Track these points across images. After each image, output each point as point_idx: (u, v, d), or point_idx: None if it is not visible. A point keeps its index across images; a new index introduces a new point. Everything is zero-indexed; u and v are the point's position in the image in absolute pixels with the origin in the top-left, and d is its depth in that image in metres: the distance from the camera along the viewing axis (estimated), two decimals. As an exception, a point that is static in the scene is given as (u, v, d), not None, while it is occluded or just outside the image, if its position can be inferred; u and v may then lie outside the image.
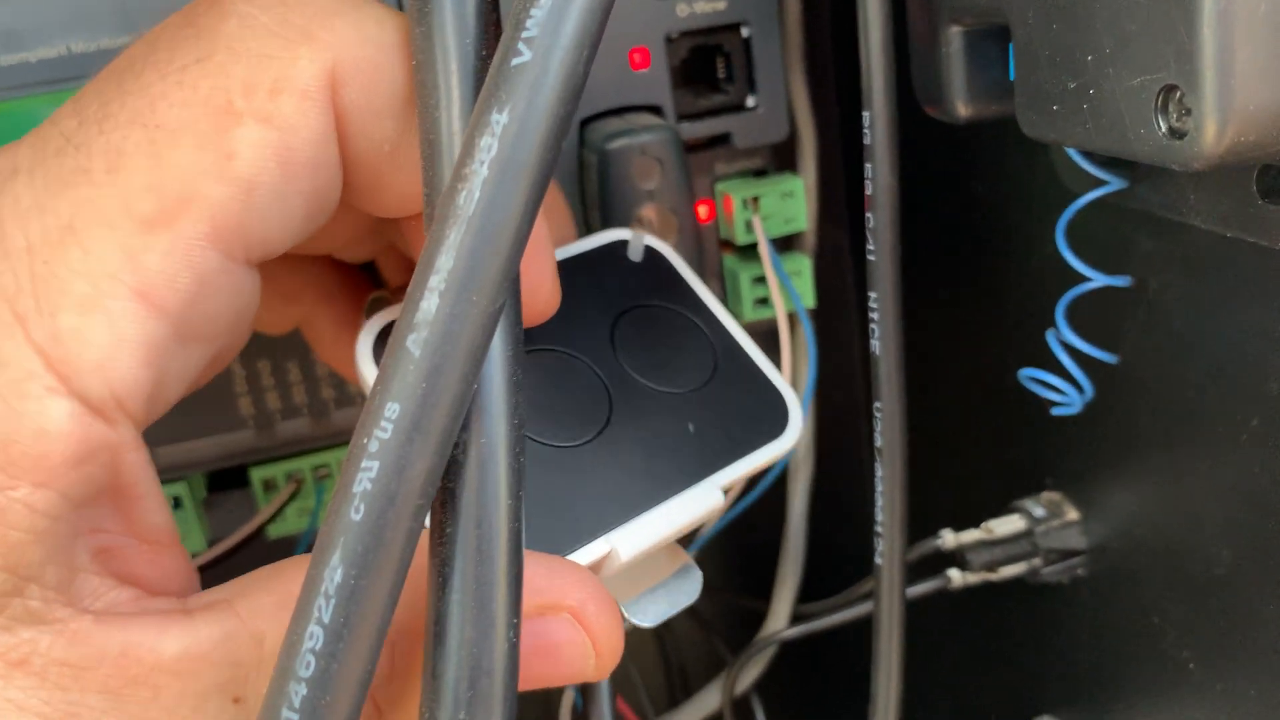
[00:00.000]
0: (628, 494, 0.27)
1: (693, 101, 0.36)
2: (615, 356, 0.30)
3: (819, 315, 0.40)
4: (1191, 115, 0.20)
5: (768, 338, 0.39)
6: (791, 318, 0.38)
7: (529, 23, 0.19)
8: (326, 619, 0.19)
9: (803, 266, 0.38)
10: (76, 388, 0.21)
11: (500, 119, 0.19)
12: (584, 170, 0.35)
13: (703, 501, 0.28)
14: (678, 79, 0.36)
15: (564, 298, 0.30)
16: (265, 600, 0.22)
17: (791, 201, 0.37)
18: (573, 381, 0.29)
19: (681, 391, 0.30)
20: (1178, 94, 0.20)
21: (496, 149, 0.19)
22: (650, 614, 0.28)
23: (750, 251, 0.38)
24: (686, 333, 0.31)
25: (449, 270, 0.19)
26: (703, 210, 0.37)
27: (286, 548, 0.37)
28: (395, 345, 0.19)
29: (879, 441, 0.29)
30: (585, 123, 0.35)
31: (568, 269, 0.31)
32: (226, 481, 0.38)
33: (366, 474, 0.19)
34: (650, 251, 0.32)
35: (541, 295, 0.26)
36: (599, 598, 0.23)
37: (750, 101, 0.36)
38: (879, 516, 0.30)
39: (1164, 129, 0.20)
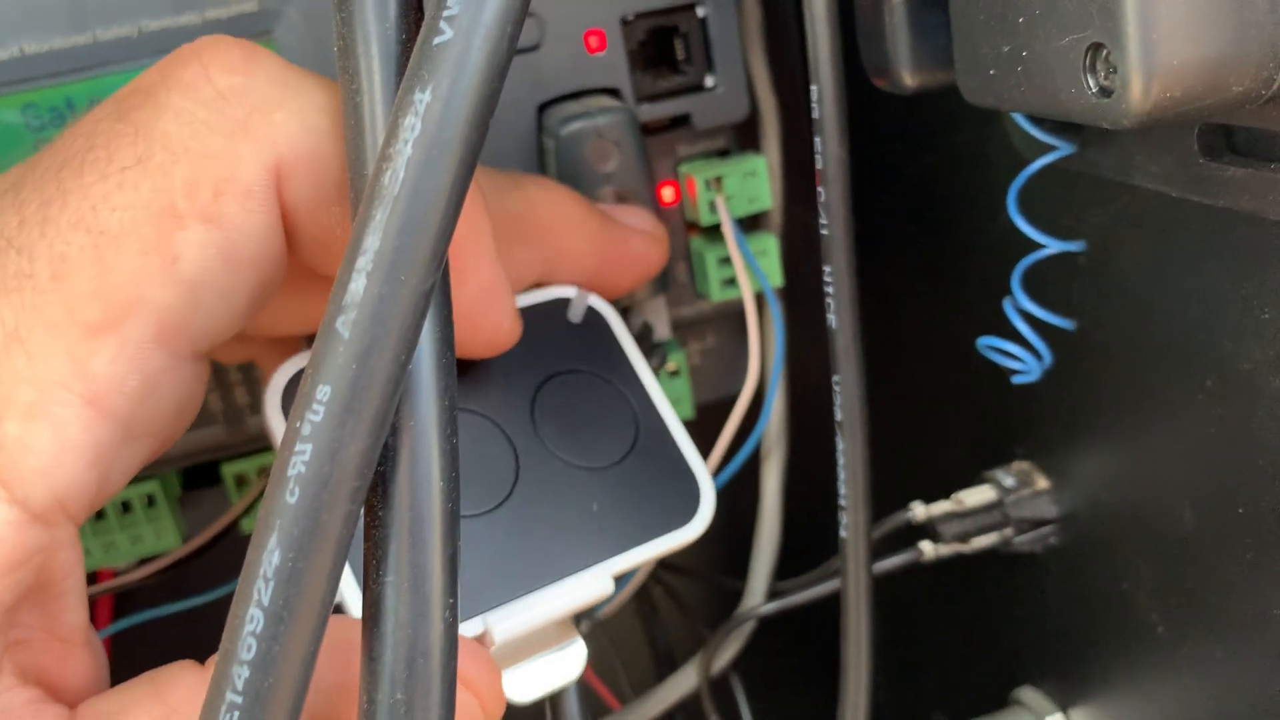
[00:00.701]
0: (515, 573, 0.27)
1: (652, 83, 0.36)
2: (532, 423, 0.29)
3: (789, 295, 0.40)
4: (1117, 73, 0.20)
5: (740, 318, 0.39)
6: (759, 298, 0.38)
7: (450, 1, 0.19)
8: (266, 601, 0.19)
9: (769, 246, 0.38)
10: (18, 494, 0.21)
11: (423, 98, 0.19)
12: (543, 155, 0.34)
13: (590, 588, 0.27)
14: (636, 61, 0.36)
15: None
16: (144, 716, 0.22)
17: (754, 181, 0.37)
18: (482, 447, 0.28)
19: (593, 467, 0.29)
20: (1104, 52, 0.20)
21: (420, 128, 0.19)
22: (525, 691, 0.27)
23: (716, 233, 0.38)
24: (611, 404, 0.31)
25: (376, 251, 0.19)
26: (667, 193, 0.37)
27: (262, 542, 0.37)
28: (325, 328, 0.19)
29: (839, 415, 0.29)
30: (543, 107, 0.35)
31: None
32: (201, 480, 0.38)
33: (300, 457, 0.19)
34: (592, 313, 0.32)
35: (503, 329, 0.27)
36: (477, 658, 0.24)
37: (709, 81, 0.36)
38: (842, 490, 0.30)
39: (1093, 87, 0.20)
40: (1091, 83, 0.20)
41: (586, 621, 0.38)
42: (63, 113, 0.33)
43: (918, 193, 0.34)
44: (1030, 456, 0.35)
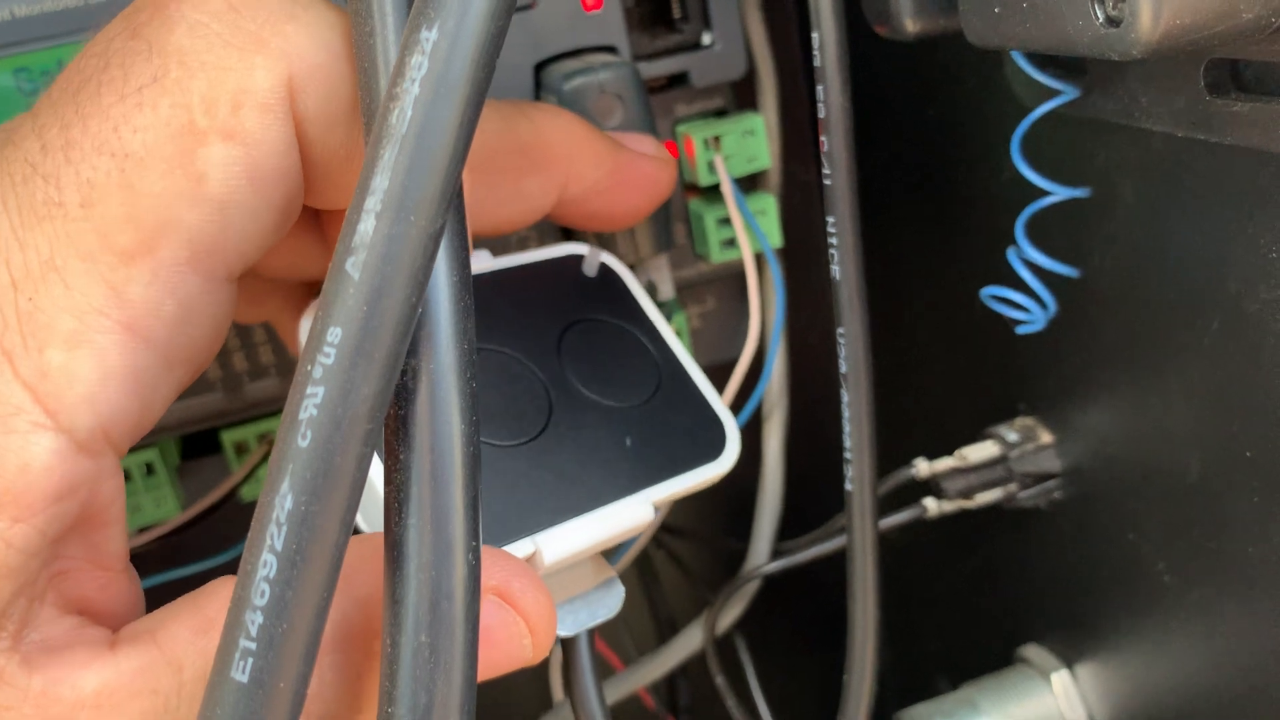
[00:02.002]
0: (558, 499, 0.27)
1: (649, 43, 0.36)
2: (559, 364, 0.30)
3: (789, 254, 0.39)
4: (1127, 1, 0.19)
5: (740, 280, 0.39)
6: (759, 258, 0.38)
7: (455, -61, 0.19)
8: (279, 546, 0.18)
9: (768, 205, 0.38)
10: (64, 423, 0.21)
11: (430, 36, 0.19)
12: (541, 114, 0.34)
13: (633, 514, 0.28)
14: (634, 21, 0.35)
15: (514, 303, 0.30)
16: (183, 628, 0.22)
17: (753, 140, 0.37)
18: (514, 383, 0.29)
19: (622, 406, 0.30)
20: (1114, -18, 0.20)
21: (427, 66, 0.19)
22: (567, 624, 0.28)
23: (714, 193, 0.37)
24: (632, 350, 0.31)
25: (384, 190, 0.19)
26: (665, 153, 0.37)
27: (262, 510, 0.37)
28: (334, 270, 0.19)
29: (844, 368, 0.29)
30: (540, 66, 0.35)
31: (521, 275, 0.31)
32: (200, 448, 0.38)
33: (311, 400, 0.18)
34: (605, 269, 0.32)
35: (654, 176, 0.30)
36: (524, 576, 0.23)
37: (706, 39, 0.36)
38: (847, 444, 0.29)
39: (1100, 17, 0.20)
40: (1099, 12, 0.20)
41: None
42: (54, 74, 0.32)
43: (919, 143, 0.34)
44: (1033, 411, 0.35)
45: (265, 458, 0.36)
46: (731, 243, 0.37)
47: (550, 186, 0.30)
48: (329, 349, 0.18)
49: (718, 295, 0.41)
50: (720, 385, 0.36)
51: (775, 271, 0.37)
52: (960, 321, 0.35)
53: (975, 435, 0.35)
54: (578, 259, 0.33)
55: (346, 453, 0.18)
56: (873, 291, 0.30)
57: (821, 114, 0.28)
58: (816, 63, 0.28)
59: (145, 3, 0.23)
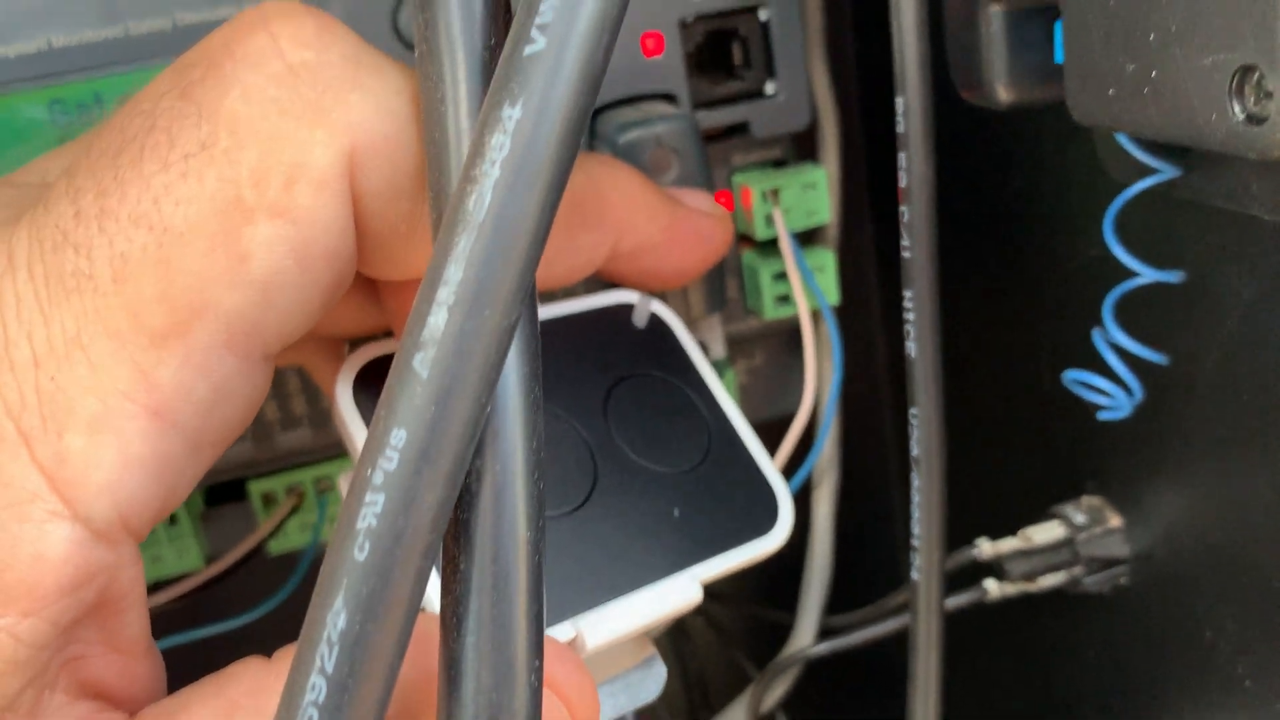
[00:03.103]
0: (602, 577, 0.26)
1: (709, 89, 0.34)
2: (606, 425, 0.28)
3: (843, 312, 0.38)
4: (1273, 98, 0.18)
5: (790, 336, 0.38)
6: (815, 315, 0.36)
7: (543, 7, 0.18)
8: (330, 669, 0.17)
9: (826, 262, 0.36)
10: (81, 512, 0.19)
11: (513, 114, 0.17)
12: (596, 164, 0.33)
13: (680, 595, 0.26)
14: (692, 65, 0.34)
15: (561, 356, 0.28)
16: (206, 711, 0.21)
17: (814, 194, 0.35)
18: (559, 446, 0.27)
19: (670, 471, 0.28)
20: (1256, 75, 0.18)
21: (509, 147, 0.17)
22: (607, 707, 0.26)
23: (771, 247, 0.36)
24: (682, 409, 0.30)
25: (459, 282, 0.17)
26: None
27: (289, 564, 0.35)
28: (400, 366, 0.17)
29: (915, 450, 0.27)
30: (596, 113, 0.33)
31: (567, 326, 0.30)
32: (224, 494, 0.36)
33: (371, 508, 0.17)
34: (655, 320, 0.31)
35: (708, 235, 0.29)
36: (568, 662, 0.22)
37: (770, 88, 0.34)
38: (915, 530, 0.28)
39: (1240, 114, 0.18)
40: (1238, 109, 0.19)
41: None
42: (91, 109, 0.31)
43: (999, 213, 0.33)
44: (1102, 491, 0.33)
45: (294, 510, 0.35)
46: (786, 299, 0.36)
47: (603, 242, 0.29)
48: (392, 452, 0.17)
49: (767, 350, 0.39)
50: (770, 448, 0.35)
51: (833, 331, 0.36)
52: (1031, 397, 0.33)
53: (1039, 512, 0.33)
54: (627, 308, 0.31)
55: (407, 568, 0.17)
56: (943, 362, 0.28)
57: (903, 183, 0.26)
58: (900, 128, 0.26)
59: (199, 58, 0.21)
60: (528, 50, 0.18)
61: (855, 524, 0.38)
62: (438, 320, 0.17)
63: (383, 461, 0.17)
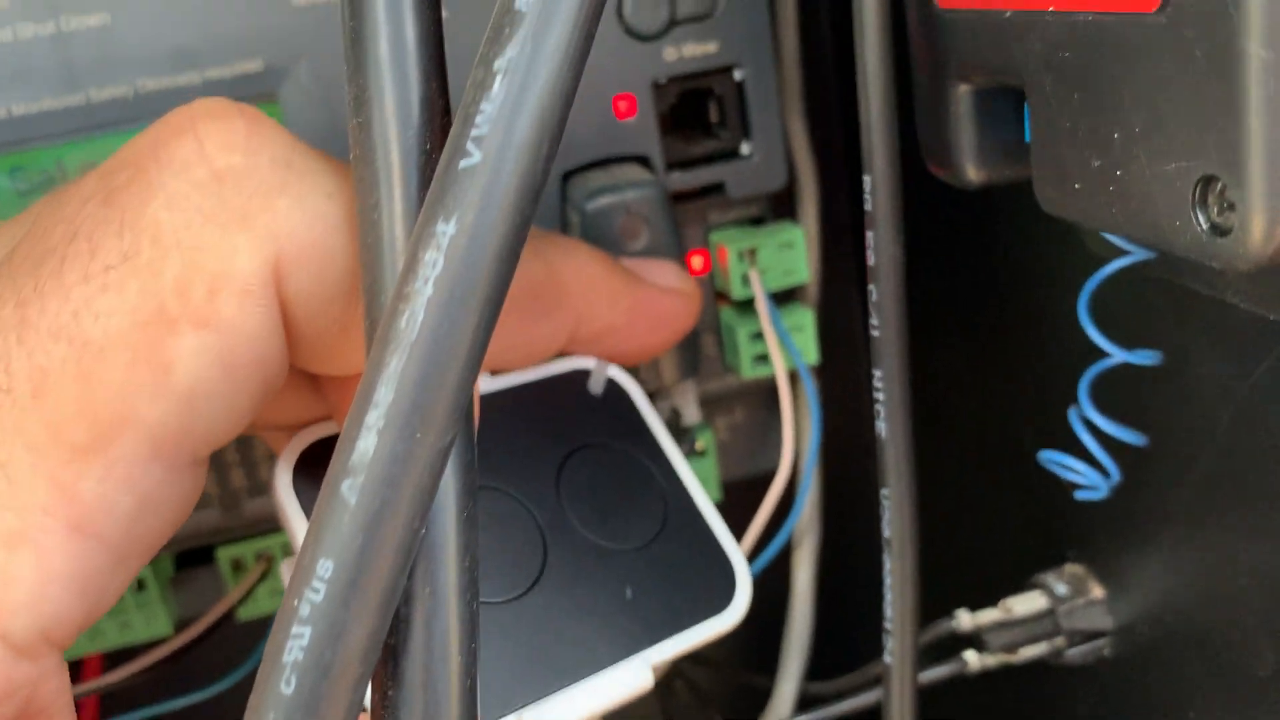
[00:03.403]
0: (550, 664, 0.25)
1: (683, 148, 0.33)
2: (558, 500, 0.27)
3: (825, 369, 0.37)
4: (1236, 211, 0.17)
5: (771, 393, 0.37)
6: (793, 375, 0.36)
7: (479, 119, 0.17)
8: (255, 807, 0.16)
9: (805, 321, 0.35)
10: (1, 629, 0.19)
11: (447, 230, 0.17)
12: (566, 229, 0.32)
13: (631, 682, 0.25)
14: (666, 124, 0.33)
15: (512, 428, 0.28)
16: None
17: (791, 253, 0.34)
18: (508, 526, 0.26)
19: (624, 549, 0.27)
20: (1219, 185, 0.17)
21: (443, 264, 0.17)
22: None
23: (748, 306, 0.35)
24: (638, 480, 0.29)
25: (389, 404, 0.17)
26: (696, 261, 0.35)
27: (259, 630, 0.35)
28: (328, 492, 0.17)
29: (886, 532, 0.27)
30: (567, 176, 0.32)
31: (519, 396, 0.29)
32: (193, 557, 0.36)
33: (298, 641, 0.16)
34: (612, 385, 0.30)
35: (672, 313, 0.29)
36: None
37: (745, 149, 0.33)
38: (888, 612, 0.27)
39: (1204, 224, 0.18)
40: (1202, 219, 0.18)
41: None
42: (53, 176, 0.30)
43: (973, 288, 0.32)
44: (1083, 560, 0.32)
45: (264, 576, 0.34)
46: (764, 358, 0.35)
47: (561, 330, 0.28)
48: (319, 584, 0.16)
49: (747, 407, 0.38)
50: (747, 504, 0.34)
51: (811, 393, 0.35)
52: (1009, 470, 0.33)
53: (1020, 582, 0.33)
54: (584, 374, 0.30)
55: (335, 703, 0.16)
56: (917, 432, 0.27)
57: (871, 261, 0.26)
58: (868, 206, 0.26)
59: (125, 162, 0.21)
60: (463, 164, 0.17)
61: (838, 584, 0.37)
62: (367, 445, 0.17)
63: (309, 593, 0.16)
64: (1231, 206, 0.17)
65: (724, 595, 0.28)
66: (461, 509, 0.18)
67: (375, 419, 0.17)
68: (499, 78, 0.17)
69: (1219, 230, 0.18)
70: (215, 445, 0.21)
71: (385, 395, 0.17)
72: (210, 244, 0.20)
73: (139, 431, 0.19)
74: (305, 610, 0.16)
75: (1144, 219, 0.19)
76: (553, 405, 0.29)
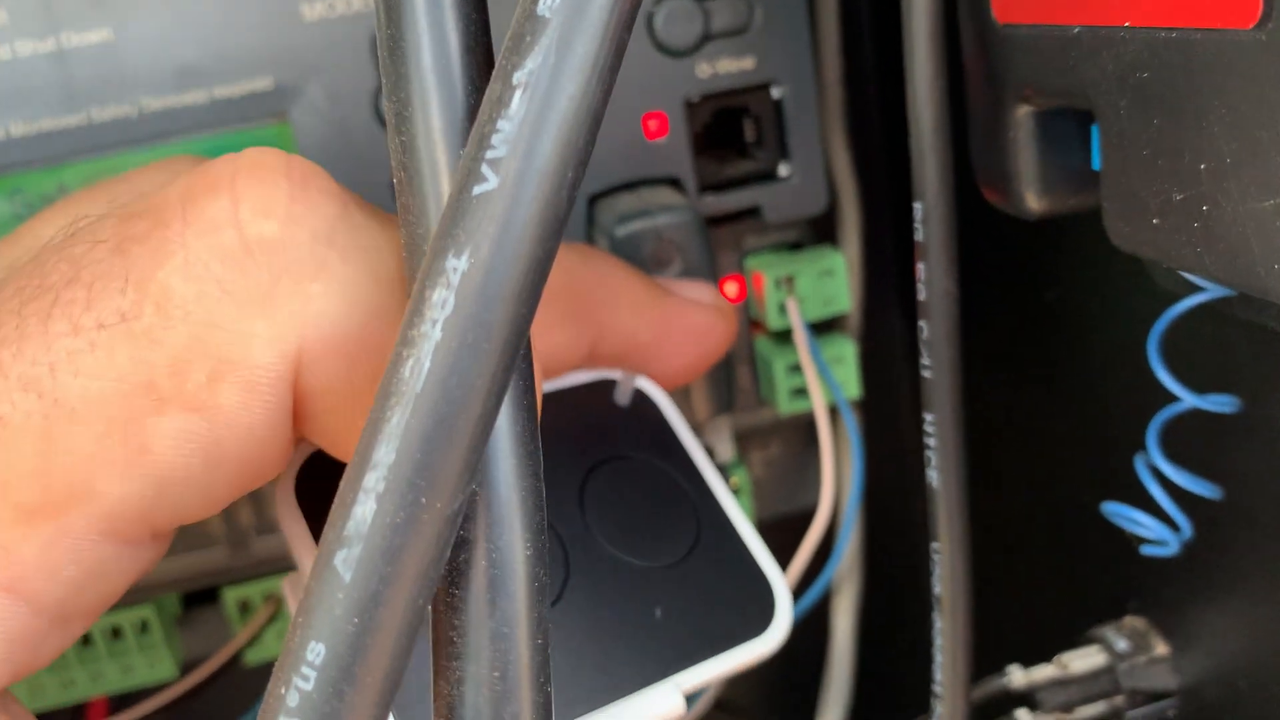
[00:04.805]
0: (573, 689, 0.23)
1: (717, 170, 0.32)
2: (581, 515, 0.25)
3: (866, 402, 0.35)
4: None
5: (809, 426, 0.35)
6: (833, 410, 0.34)
7: (495, 139, 0.15)
8: None
9: (846, 352, 0.33)
10: None
11: (458, 265, 0.15)
12: (593, 255, 0.30)
13: (660, 707, 0.23)
14: (699, 143, 0.31)
15: None
16: None
17: (832, 281, 0.33)
18: None
19: (652, 566, 0.25)
20: (1327, 222, 0.15)
21: (453, 306, 0.15)
22: None
23: (785, 337, 0.33)
24: (668, 495, 0.27)
25: (390, 466, 0.15)
26: (731, 288, 0.33)
27: (266, 674, 0.33)
28: (321, 565, 0.15)
29: (937, 588, 0.25)
30: (594, 199, 0.31)
31: (542, 407, 0.27)
32: (199, 597, 0.34)
33: (285, 733, 0.14)
34: (640, 396, 0.28)
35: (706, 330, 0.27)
36: None
37: (783, 170, 0.32)
38: (937, 675, 0.25)
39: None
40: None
41: None
42: (53, 198, 0.29)
43: (1033, 327, 0.30)
44: (1145, 613, 0.30)
45: (272, 618, 0.32)
46: (802, 392, 0.33)
47: (580, 339, 0.26)
48: (309, 670, 0.15)
49: (783, 441, 0.36)
50: (784, 544, 0.32)
51: (851, 427, 0.33)
52: (1068, 519, 0.31)
53: (1076, 634, 0.30)
54: (609, 385, 0.28)
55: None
56: (969, 481, 0.25)
57: (922, 296, 0.24)
58: (919, 237, 0.24)
59: (150, 207, 0.19)
60: (477, 190, 0.15)
61: (882, 634, 0.35)
62: (364, 511, 0.15)
63: (298, 680, 0.14)
64: (1342, 247, 0.15)
65: (762, 617, 0.26)
66: (533, 579, 0.16)
67: (374, 481, 0.15)
68: (518, 93, 0.15)
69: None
70: (182, 523, 0.19)
71: (385, 455, 0.15)
72: (223, 323, 0.18)
73: (96, 506, 0.18)
74: (294, 700, 0.15)
75: (1235, 261, 0.17)
76: (577, 416, 0.27)
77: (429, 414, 0.15)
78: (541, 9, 0.15)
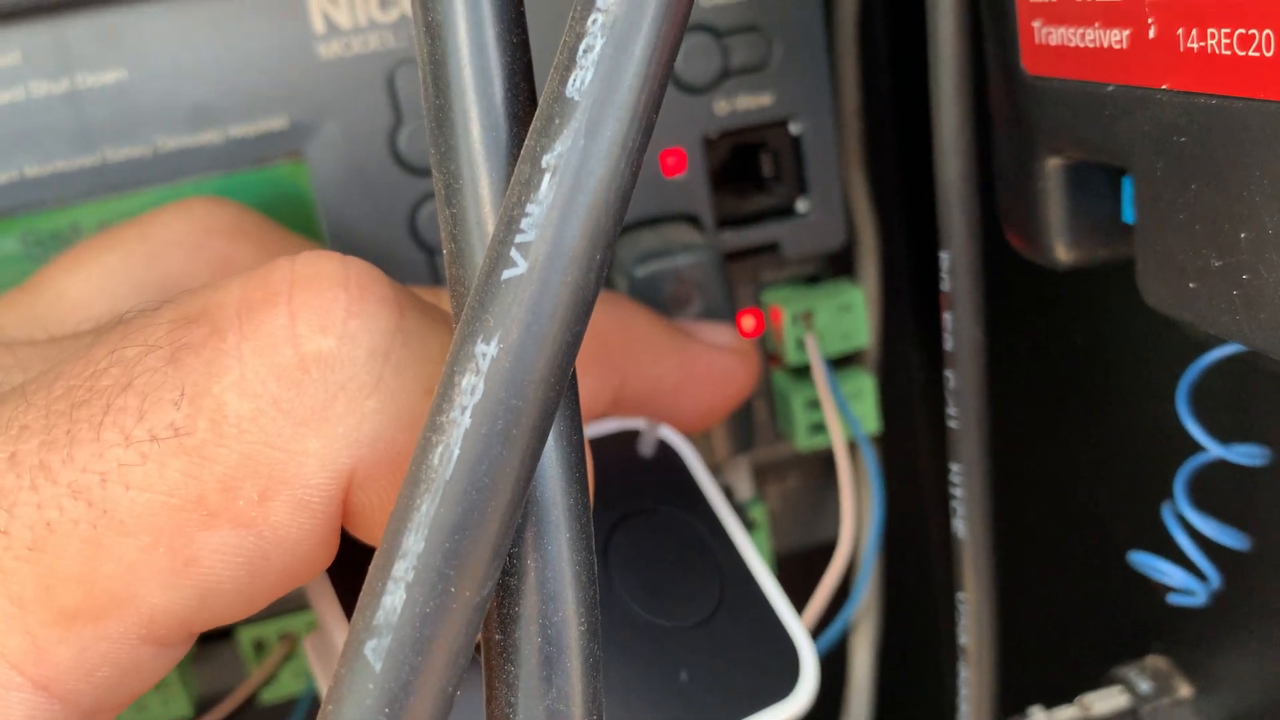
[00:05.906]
0: None
1: (734, 205, 0.31)
2: (606, 572, 0.25)
3: (885, 438, 0.35)
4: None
5: (827, 460, 0.35)
6: (852, 445, 0.34)
7: (524, 223, 0.15)
8: None
9: (865, 387, 0.33)
10: None
11: (488, 351, 0.15)
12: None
13: None
14: (716, 179, 0.31)
15: None
16: None
17: (850, 315, 0.32)
18: None
19: (678, 626, 0.25)
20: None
21: (482, 392, 0.15)
22: None
23: (803, 372, 0.33)
24: (692, 550, 0.26)
25: (419, 555, 0.15)
26: (748, 322, 0.33)
27: (283, 713, 0.33)
28: (350, 653, 0.15)
29: (962, 639, 0.25)
30: (612, 237, 0.30)
31: None
32: (213, 633, 0.34)
33: (314, 828, 0.14)
34: (664, 447, 0.27)
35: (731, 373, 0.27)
36: None
37: (801, 206, 0.31)
38: (962, 726, 0.25)
39: (1356, 345, 0.16)
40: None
41: None
42: (68, 239, 0.29)
43: (1055, 372, 0.30)
44: (1169, 653, 0.30)
45: (287, 657, 0.32)
46: (820, 427, 0.33)
47: (603, 387, 0.26)
48: (339, 764, 0.14)
49: (800, 474, 0.36)
50: (802, 579, 0.32)
51: (871, 463, 0.33)
52: (1092, 564, 0.30)
53: (1098, 674, 0.30)
54: (633, 435, 0.28)
55: None
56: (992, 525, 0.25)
57: (949, 345, 0.24)
58: (945, 286, 0.23)
59: (208, 313, 0.18)
60: (506, 274, 0.15)
61: (900, 674, 0.35)
62: (394, 601, 0.14)
63: (327, 775, 0.14)
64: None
65: (788, 679, 0.26)
66: (587, 655, 0.16)
67: (403, 570, 0.15)
68: (547, 176, 0.15)
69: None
70: (222, 625, 0.19)
71: (415, 543, 0.15)
72: (277, 442, 0.17)
73: (137, 613, 0.17)
74: (323, 793, 0.14)
75: (1276, 331, 0.17)
76: (599, 468, 0.27)
77: (458, 502, 0.15)
78: (570, 91, 0.15)
